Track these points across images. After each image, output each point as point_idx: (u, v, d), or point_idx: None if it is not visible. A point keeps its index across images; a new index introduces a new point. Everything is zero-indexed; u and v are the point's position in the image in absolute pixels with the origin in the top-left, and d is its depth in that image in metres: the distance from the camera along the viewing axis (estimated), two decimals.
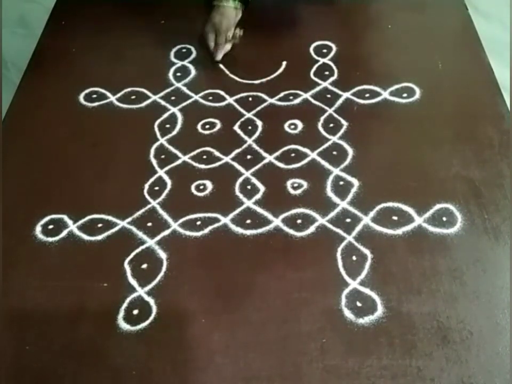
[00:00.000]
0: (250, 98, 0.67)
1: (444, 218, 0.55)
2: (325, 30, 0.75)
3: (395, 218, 0.55)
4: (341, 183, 0.58)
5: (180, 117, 0.66)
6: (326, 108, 0.66)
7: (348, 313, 0.49)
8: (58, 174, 0.61)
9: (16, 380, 0.47)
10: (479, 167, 0.59)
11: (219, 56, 0.71)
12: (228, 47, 0.71)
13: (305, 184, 0.59)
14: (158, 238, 0.55)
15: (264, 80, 0.70)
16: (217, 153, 0.62)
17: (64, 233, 0.56)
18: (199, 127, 0.65)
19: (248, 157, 0.61)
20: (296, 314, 0.49)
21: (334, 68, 0.70)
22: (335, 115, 0.65)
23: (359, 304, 0.49)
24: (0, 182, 0.59)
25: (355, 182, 0.58)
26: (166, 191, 0.59)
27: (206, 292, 0.51)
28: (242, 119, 0.65)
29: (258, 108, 0.66)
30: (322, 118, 0.65)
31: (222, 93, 0.68)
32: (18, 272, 0.53)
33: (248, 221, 0.56)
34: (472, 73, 0.69)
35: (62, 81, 0.71)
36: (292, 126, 0.64)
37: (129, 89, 0.69)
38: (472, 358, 0.46)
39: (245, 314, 0.49)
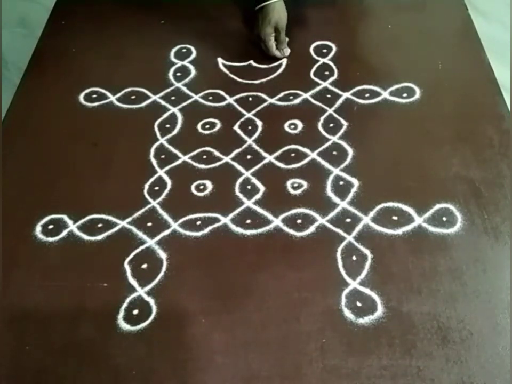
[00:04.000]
0: (250, 98, 0.67)
1: (444, 218, 0.55)
2: (325, 30, 0.75)
3: (395, 218, 0.55)
4: (341, 183, 0.58)
5: (179, 117, 0.66)
6: (326, 107, 0.66)
7: (348, 313, 0.49)
8: (58, 174, 0.61)
9: (16, 380, 0.47)
10: (479, 167, 0.59)
11: (288, 51, 0.72)
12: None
13: (305, 184, 0.59)
14: (158, 238, 0.55)
15: (264, 80, 0.70)
16: (217, 153, 0.62)
17: (64, 233, 0.56)
18: (199, 127, 0.65)
19: (248, 157, 0.61)
20: (296, 314, 0.49)
21: (334, 67, 0.70)
22: (335, 115, 0.65)
23: (359, 304, 0.49)
24: (0, 182, 0.59)
25: (355, 182, 0.58)
26: (166, 191, 0.59)
27: (206, 292, 0.51)
28: (242, 119, 0.65)
29: (258, 108, 0.66)
30: (322, 118, 0.65)
31: (222, 93, 0.68)
32: (18, 272, 0.53)
33: (248, 221, 0.56)
34: (472, 73, 0.69)
35: (62, 81, 0.71)
36: (292, 126, 0.64)
37: (129, 89, 0.69)
38: (472, 358, 0.46)
39: (245, 314, 0.49)
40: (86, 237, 0.55)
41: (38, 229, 0.56)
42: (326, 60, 0.71)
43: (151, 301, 0.50)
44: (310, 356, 0.47)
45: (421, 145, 0.61)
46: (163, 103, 0.68)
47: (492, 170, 0.58)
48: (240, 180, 0.59)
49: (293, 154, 0.61)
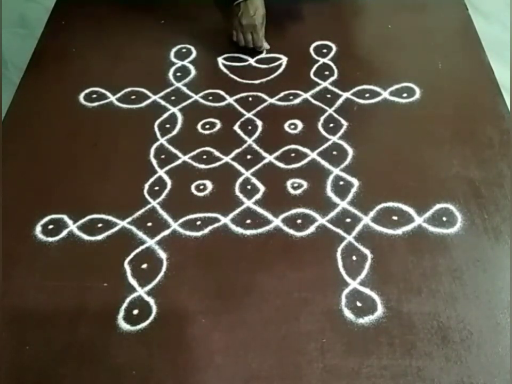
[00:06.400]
0: (250, 98, 0.67)
1: (444, 218, 0.55)
2: (325, 30, 0.75)
3: (395, 218, 0.55)
4: (341, 183, 0.58)
5: (179, 117, 0.66)
6: (326, 107, 0.66)
7: (348, 313, 0.49)
8: (58, 174, 0.61)
9: (16, 380, 0.47)
10: (479, 167, 0.59)
11: (266, 44, 0.72)
12: None
13: (305, 184, 0.59)
14: (158, 238, 0.55)
15: (264, 80, 0.70)
16: (217, 153, 0.62)
17: (64, 233, 0.56)
18: (199, 127, 0.65)
19: (248, 157, 0.61)
20: (296, 314, 0.49)
21: (334, 68, 0.70)
22: (335, 115, 0.65)
23: (359, 304, 0.49)
24: (0, 182, 0.59)
25: (355, 182, 0.58)
26: (166, 191, 0.59)
27: (206, 292, 0.51)
28: (242, 119, 0.65)
29: (258, 108, 0.66)
30: (322, 118, 0.65)
31: (222, 93, 0.68)
32: (18, 272, 0.53)
33: (248, 221, 0.56)
34: (472, 73, 0.69)
35: (62, 81, 0.71)
36: (292, 126, 0.64)
37: (129, 89, 0.69)
38: (472, 358, 0.46)
39: (245, 314, 0.49)
40: (86, 237, 0.55)
41: (38, 229, 0.56)
42: (326, 60, 0.72)
43: (151, 301, 0.50)
44: (310, 355, 0.47)
45: (421, 145, 0.61)
46: (163, 103, 0.68)
47: (492, 170, 0.58)
48: (240, 179, 0.59)
49: (293, 154, 0.61)
